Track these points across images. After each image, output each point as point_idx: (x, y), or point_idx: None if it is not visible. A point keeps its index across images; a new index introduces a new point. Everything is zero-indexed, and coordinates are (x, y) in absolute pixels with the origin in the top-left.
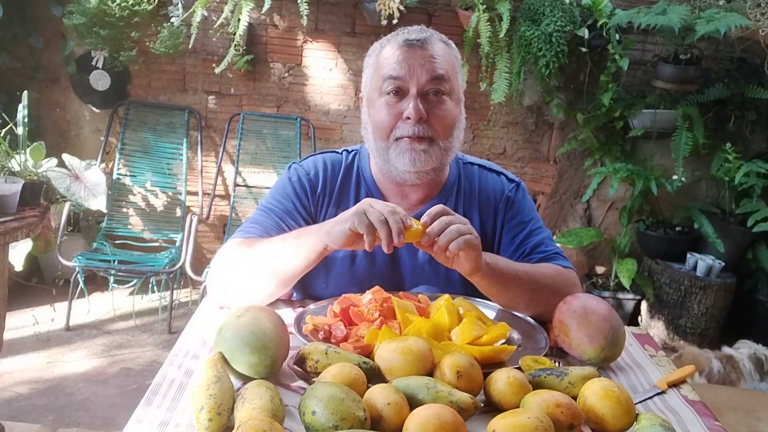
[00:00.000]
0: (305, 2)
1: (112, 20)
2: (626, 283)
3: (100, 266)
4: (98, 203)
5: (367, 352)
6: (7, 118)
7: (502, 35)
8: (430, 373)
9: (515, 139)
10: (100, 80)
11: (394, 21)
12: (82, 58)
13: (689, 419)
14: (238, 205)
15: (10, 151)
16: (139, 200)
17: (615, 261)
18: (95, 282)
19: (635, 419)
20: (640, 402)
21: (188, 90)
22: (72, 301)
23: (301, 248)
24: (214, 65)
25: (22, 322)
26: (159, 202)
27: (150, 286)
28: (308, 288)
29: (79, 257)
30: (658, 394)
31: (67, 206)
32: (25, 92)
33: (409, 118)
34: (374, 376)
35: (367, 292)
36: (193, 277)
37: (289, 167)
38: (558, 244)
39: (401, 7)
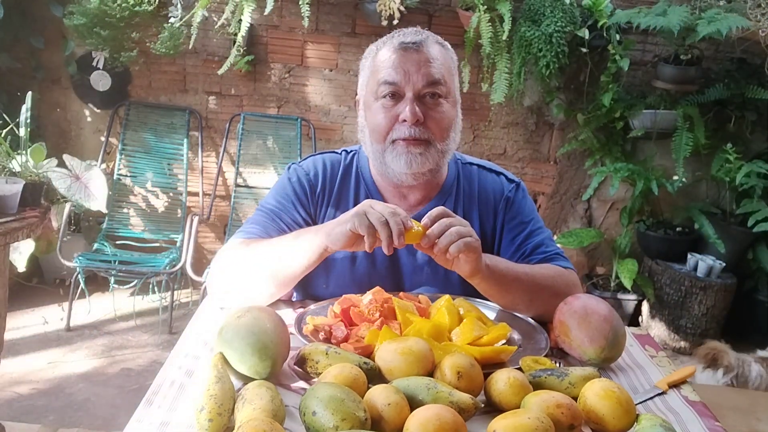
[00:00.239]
0: (307, 3)
1: (113, 21)
2: (627, 284)
3: (101, 267)
4: (99, 204)
5: (368, 353)
6: (7, 119)
7: (502, 36)
8: (431, 374)
9: (515, 140)
10: (101, 81)
11: (395, 21)
12: (83, 58)
13: (689, 420)
14: (238, 206)
15: (11, 151)
16: (140, 201)
17: (615, 261)
18: (96, 282)
19: (635, 420)
20: (640, 402)
21: (189, 90)
22: (72, 301)
23: (301, 249)
24: (214, 66)
25: (23, 322)
26: (159, 203)
27: (150, 286)
28: (309, 288)
29: (80, 258)
30: (658, 394)
31: (67, 207)
32: (29, 93)
33: (405, 120)
34: (375, 376)
35: (367, 292)
36: (194, 277)
37: (289, 168)
38: (558, 245)
39: (401, 8)
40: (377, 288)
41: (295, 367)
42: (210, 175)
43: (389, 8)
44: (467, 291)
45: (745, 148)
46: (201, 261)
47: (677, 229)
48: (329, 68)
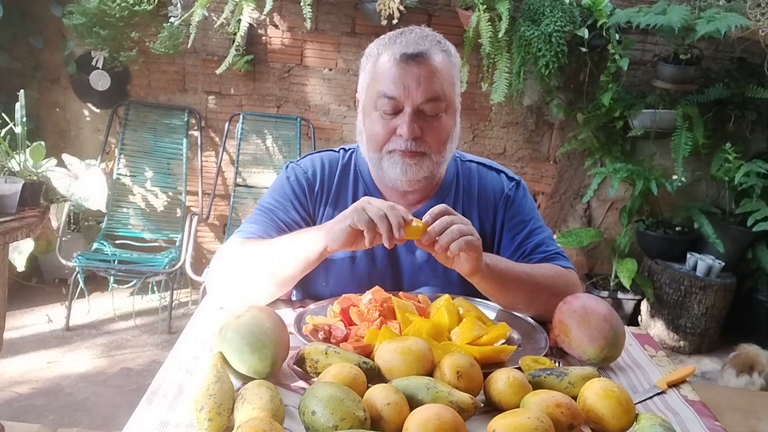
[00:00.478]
0: (308, 3)
1: (112, 20)
2: (626, 283)
3: (100, 266)
4: (98, 203)
5: (367, 352)
6: (7, 118)
7: (502, 35)
8: (430, 373)
9: (515, 139)
10: (100, 80)
11: (394, 21)
12: (82, 58)
13: (689, 419)
14: (238, 205)
15: (10, 151)
16: (139, 200)
17: (615, 261)
18: (95, 282)
19: (635, 419)
20: (640, 402)
21: (188, 90)
22: (72, 301)
23: (301, 249)
24: (214, 65)
25: (22, 322)
26: (159, 202)
27: (150, 286)
28: (308, 287)
29: (79, 257)
30: (658, 394)
31: (67, 206)
32: (22, 91)
33: (402, 135)
34: (374, 376)
35: (367, 292)
36: (193, 277)
37: (287, 167)
38: (558, 244)
39: (401, 8)
40: (377, 287)
41: (295, 366)
42: (209, 174)
43: (389, 8)
44: (467, 290)
45: (745, 148)
46: (200, 261)
47: (677, 228)
48: (329, 68)
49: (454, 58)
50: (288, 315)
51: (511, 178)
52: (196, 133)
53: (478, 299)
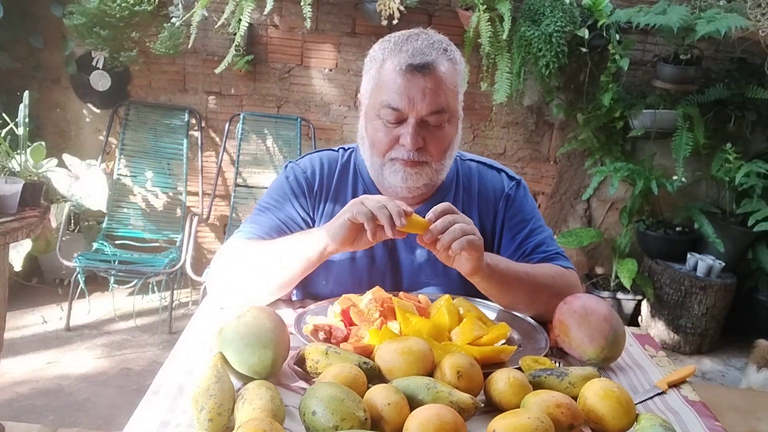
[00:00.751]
0: (308, 3)
1: (113, 20)
2: (626, 284)
3: (101, 266)
4: (98, 203)
5: (368, 353)
6: (7, 119)
7: (502, 36)
8: (431, 374)
9: (515, 139)
10: (101, 80)
11: (394, 21)
12: (83, 58)
13: (689, 419)
14: (238, 206)
15: (11, 151)
16: (140, 200)
17: (615, 261)
18: (95, 282)
19: (635, 419)
20: (640, 402)
21: (188, 90)
22: (72, 301)
23: (301, 249)
24: (214, 65)
25: (23, 322)
26: (159, 203)
27: (150, 286)
28: (308, 287)
29: (80, 257)
30: (658, 394)
31: (67, 206)
32: (26, 92)
33: (405, 145)
34: (374, 376)
35: (367, 292)
36: (194, 277)
37: (286, 166)
38: (558, 244)
39: (401, 8)
40: (377, 287)
41: (295, 366)
42: (210, 174)
43: (389, 8)
44: (467, 289)
45: (745, 148)
46: (201, 261)
47: (677, 228)
48: (329, 68)
49: (459, 66)
50: (288, 315)
51: (511, 178)
52: (197, 134)
53: (478, 299)
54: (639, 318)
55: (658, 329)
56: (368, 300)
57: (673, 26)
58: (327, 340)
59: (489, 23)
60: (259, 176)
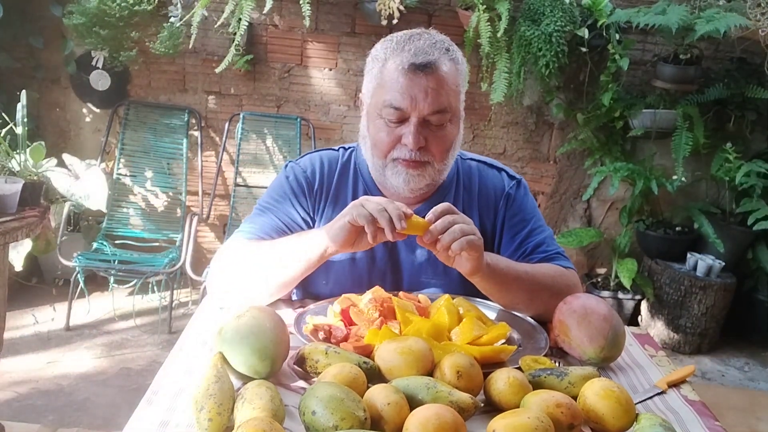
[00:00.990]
0: (307, 3)
1: (112, 20)
2: (626, 283)
3: (100, 266)
4: (98, 203)
5: (367, 352)
6: (7, 118)
7: (501, 35)
8: (430, 373)
9: (515, 139)
10: (100, 80)
11: (394, 21)
12: (82, 58)
13: (689, 419)
14: (238, 205)
15: (10, 151)
16: (139, 200)
17: (615, 261)
18: (95, 282)
19: (635, 419)
20: (640, 402)
21: (188, 90)
22: (72, 301)
23: (301, 250)
24: (214, 65)
25: (22, 322)
26: (159, 202)
27: (150, 286)
28: (308, 287)
29: (79, 257)
30: (658, 394)
31: (67, 206)
32: (24, 91)
33: (406, 144)
34: (374, 376)
35: (367, 292)
36: (193, 277)
37: (286, 166)
38: (558, 244)
39: (401, 7)
40: (377, 287)
41: (295, 366)
42: (209, 174)
43: (389, 8)
44: (467, 289)
45: (745, 148)
46: (200, 260)
47: (677, 228)
48: (329, 68)
49: (461, 66)
50: (288, 315)
51: (512, 177)
52: (196, 133)
53: (478, 299)
54: (639, 318)
55: (657, 329)
56: (368, 300)
57: (672, 26)
58: (327, 339)
59: (488, 23)
60: (259, 176)
